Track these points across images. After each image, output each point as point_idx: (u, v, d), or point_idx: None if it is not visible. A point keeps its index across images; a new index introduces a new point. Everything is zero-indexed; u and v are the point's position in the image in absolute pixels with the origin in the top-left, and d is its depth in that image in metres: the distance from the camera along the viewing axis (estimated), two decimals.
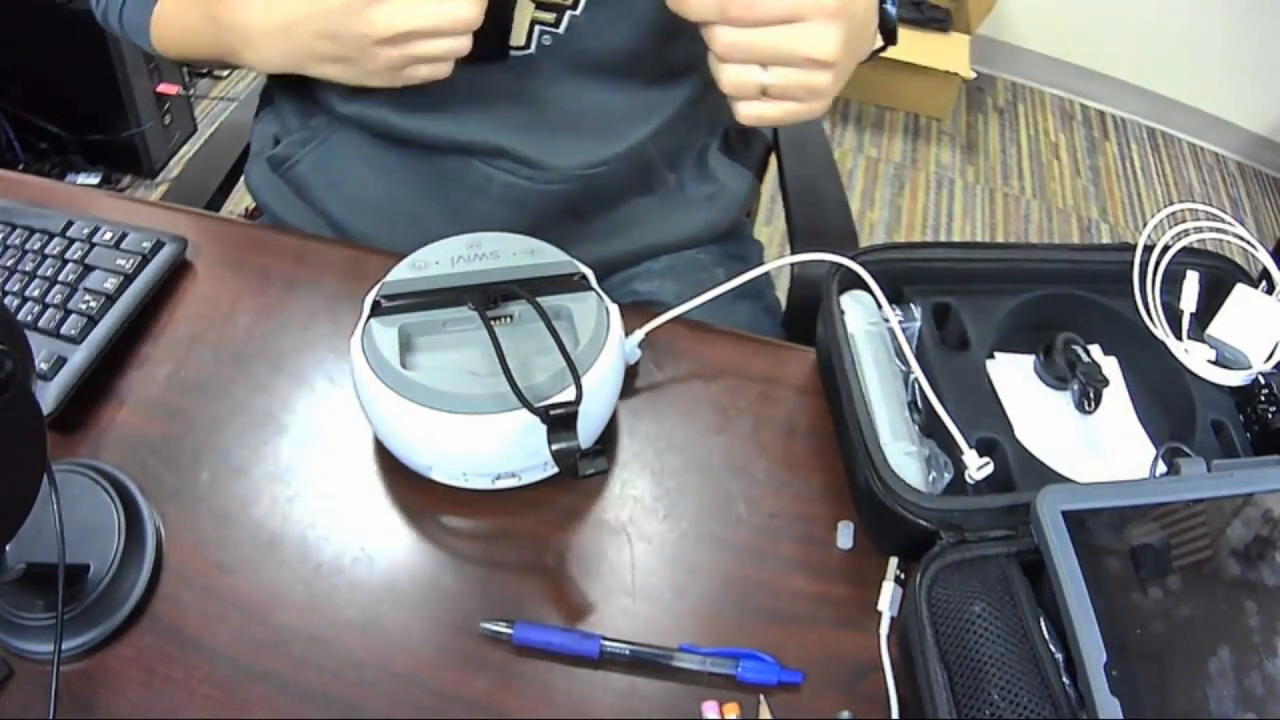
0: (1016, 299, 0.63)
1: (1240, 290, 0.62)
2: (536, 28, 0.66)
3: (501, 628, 0.50)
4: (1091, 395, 0.58)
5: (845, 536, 0.56)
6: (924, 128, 2.45)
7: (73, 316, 0.61)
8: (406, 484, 0.56)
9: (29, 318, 0.61)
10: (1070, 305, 0.63)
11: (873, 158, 2.35)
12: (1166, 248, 0.63)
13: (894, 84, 2.39)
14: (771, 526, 0.57)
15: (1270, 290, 0.62)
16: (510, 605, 0.52)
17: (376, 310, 0.55)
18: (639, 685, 0.50)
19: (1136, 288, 0.62)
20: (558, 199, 0.73)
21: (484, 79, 0.68)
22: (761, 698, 0.50)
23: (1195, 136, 2.53)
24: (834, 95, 0.60)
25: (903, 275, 0.63)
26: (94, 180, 1.92)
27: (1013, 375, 0.61)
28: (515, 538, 0.56)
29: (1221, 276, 0.63)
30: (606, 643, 0.50)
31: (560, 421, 0.50)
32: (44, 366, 0.58)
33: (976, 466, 0.53)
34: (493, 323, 0.53)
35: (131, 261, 0.64)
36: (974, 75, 2.33)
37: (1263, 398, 0.59)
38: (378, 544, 0.55)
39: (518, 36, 0.67)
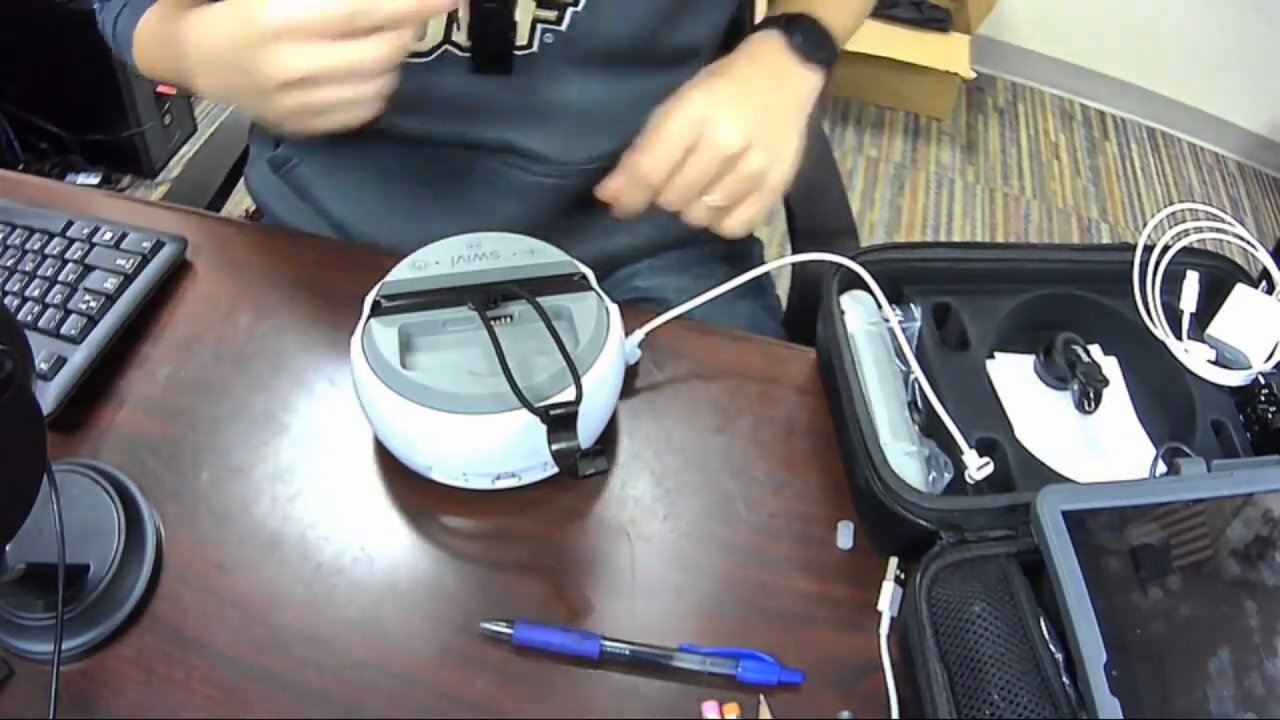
0: (1016, 299, 0.63)
1: (1240, 290, 0.62)
2: (539, 26, 0.66)
3: (501, 628, 0.50)
4: (1091, 395, 0.58)
5: (845, 536, 0.56)
6: (924, 128, 2.45)
7: (73, 316, 0.60)
8: (406, 484, 0.56)
9: (29, 318, 0.61)
10: (1070, 305, 0.63)
11: (873, 158, 2.35)
12: (1166, 248, 0.63)
13: (894, 84, 2.39)
14: (771, 526, 0.57)
15: (1270, 290, 0.62)
16: (510, 605, 0.52)
17: (376, 310, 0.55)
18: (639, 685, 0.50)
19: (1136, 288, 0.62)
20: (565, 193, 0.73)
21: (487, 81, 0.68)
22: (761, 698, 0.50)
23: (1195, 136, 2.53)
24: (778, 164, 0.62)
25: (903, 275, 0.63)
26: (94, 180, 1.91)
27: (1013, 375, 0.61)
28: (515, 538, 0.56)
29: (1221, 276, 0.63)
30: (606, 643, 0.50)
31: (560, 421, 0.50)
32: (44, 366, 0.58)
33: (976, 466, 0.53)
34: (493, 323, 0.53)
35: (131, 261, 0.64)
36: (974, 75, 2.32)
37: (1263, 398, 0.59)
38: (378, 544, 0.55)
39: (520, 36, 0.66)
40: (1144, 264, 0.62)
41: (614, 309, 0.58)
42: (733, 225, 0.63)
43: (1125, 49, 2.47)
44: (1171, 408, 0.61)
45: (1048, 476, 0.54)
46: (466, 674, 0.50)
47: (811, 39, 0.66)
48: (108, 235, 0.65)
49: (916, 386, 0.58)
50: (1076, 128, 2.54)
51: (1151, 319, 0.61)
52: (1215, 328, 0.62)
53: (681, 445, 0.60)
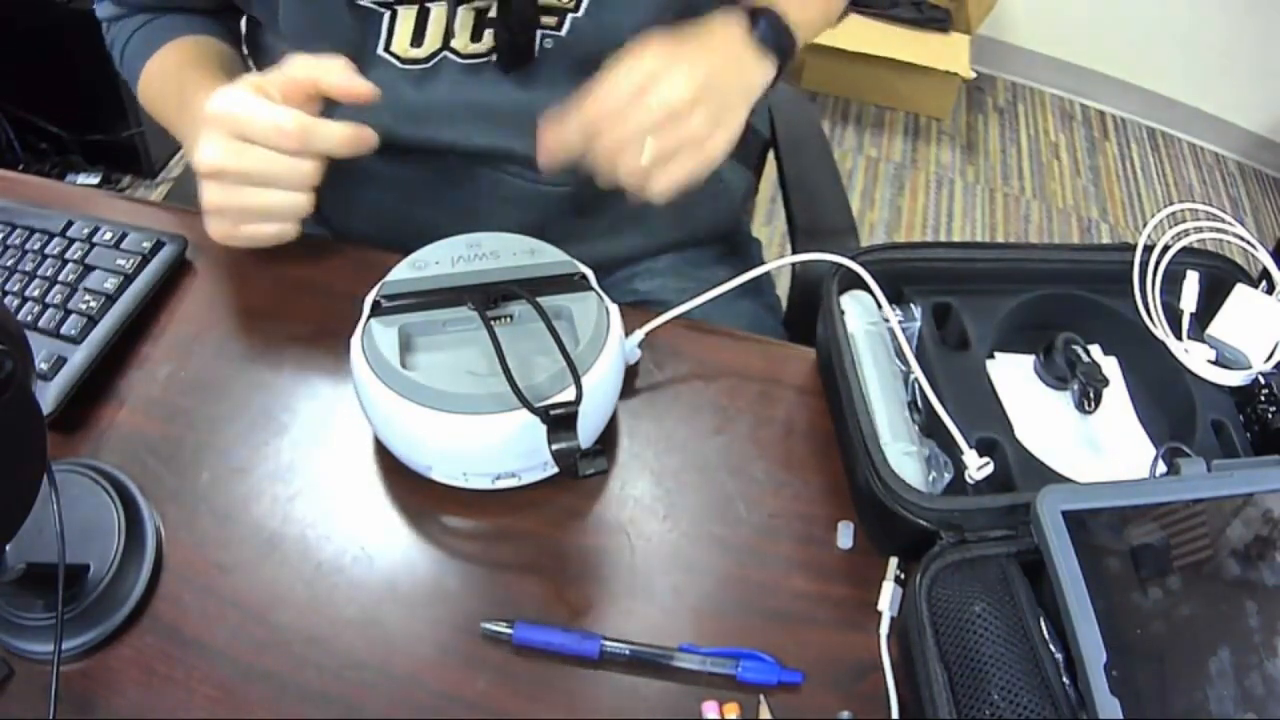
0: (1016, 299, 0.63)
1: (1240, 290, 0.62)
2: (539, 33, 0.66)
3: (501, 628, 0.50)
4: (1091, 395, 0.58)
5: (845, 536, 0.56)
6: (924, 128, 2.45)
7: (73, 316, 0.60)
8: (406, 484, 0.56)
9: (29, 318, 0.61)
10: (1070, 305, 0.63)
11: (873, 158, 2.35)
12: (1166, 248, 0.63)
13: (894, 84, 2.39)
14: (771, 526, 0.57)
15: (1270, 290, 0.62)
16: (510, 605, 0.52)
17: (376, 310, 0.55)
18: (639, 685, 0.50)
19: (1136, 288, 0.62)
20: (565, 199, 0.73)
21: (486, 87, 0.68)
22: (761, 698, 0.50)
23: (1195, 136, 2.53)
24: (721, 132, 0.62)
25: (903, 275, 0.63)
26: (94, 180, 1.91)
27: (1013, 375, 0.61)
28: (515, 538, 0.56)
29: (1221, 276, 0.63)
30: (606, 643, 0.50)
31: (560, 421, 0.50)
32: (44, 366, 0.58)
33: (976, 466, 0.53)
34: (493, 323, 0.53)
35: (131, 261, 0.64)
36: (974, 75, 2.33)
37: (1263, 398, 0.59)
38: (378, 544, 0.55)
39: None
40: (1144, 264, 0.62)
41: (614, 309, 0.58)
42: (659, 185, 0.60)
43: (1125, 49, 2.47)
44: (1171, 408, 0.61)
45: (1048, 476, 0.54)
46: (466, 674, 0.50)
47: (773, 30, 0.66)
48: (108, 235, 0.65)
49: (916, 386, 0.58)
50: (1076, 128, 2.54)
51: (1151, 319, 0.61)
52: (1215, 328, 0.62)
53: (681, 445, 0.60)
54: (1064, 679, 0.44)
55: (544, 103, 0.69)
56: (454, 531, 0.56)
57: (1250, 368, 0.60)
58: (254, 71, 0.77)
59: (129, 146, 1.90)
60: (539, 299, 0.54)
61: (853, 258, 0.60)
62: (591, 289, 0.57)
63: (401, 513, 0.56)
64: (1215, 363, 0.61)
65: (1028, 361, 0.62)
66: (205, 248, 0.69)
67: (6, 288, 0.62)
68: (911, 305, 0.62)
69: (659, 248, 0.82)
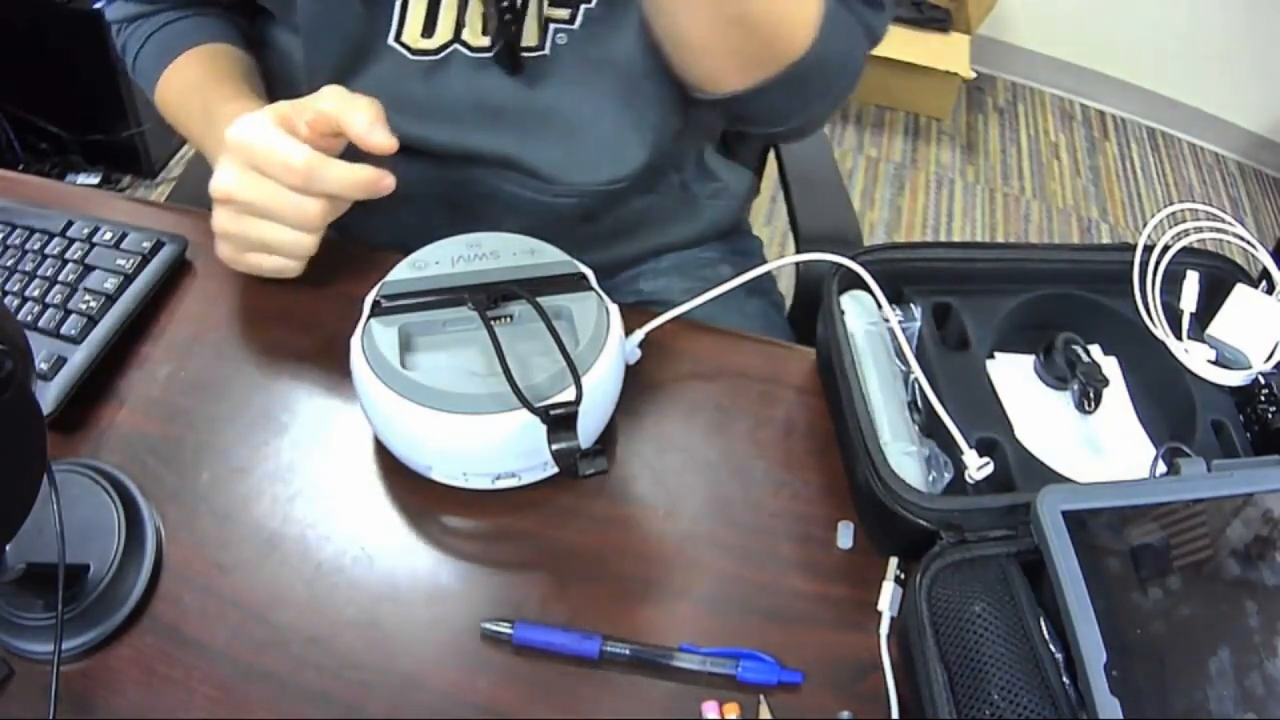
0: (1016, 299, 0.63)
1: (1240, 290, 0.62)
2: (551, 26, 0.64)
3: (501, 628, 0.50)
4: (1091, 395, 0.58)
5: (845, 536, 0.56)
6: (924, 128, 2.45)
7: (73, 316, 0.60)
8: (406, 484, 0.56)
9: (29, 318, 0.61)
10: (1070, 305, 0.63)
11: (873, 158, 2.35)
12: (1166, 248, 0.63)
13: (894, 84, 2.39)
14: (771, 526, 0.57)
15: (1270, 290, 0.62)
16: (510, 605, 0.52)
17: (376, 310, 0.55)
18: (639, 685, 0.50)
19: (1136, 288, 0.62)
20: (570, 211, 0.72)
21: (494, 84, 0.66)
22: (761, 698, 0.50)
23: (1195, 136, 2.53)
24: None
25: (903, 275, 0.63)
26: (94, 180, 1.91)
27: (1013, 375, 0.61)
28: (515, 538, 0.56)
29: (1221, 276, 0.63)
30: (606, 643, 0.50)
31: (560, 421, 0.50)
32: (44, 366, 0.58)
33: (976, 466, 0.53)
34: (493, 323, 0.53)
35: (131, 261, 0.64)
36: (974, 75, 2.33)
37: (1263, 398, 0.59)
38: (378, 544, 0.55)
39: (529, 37, 0.65)
40: (1144, 264, 0.62)
41: (614, 309, 0.58)
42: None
43: (1125, 49, 2.47)
44: (1171, 408, 0.60)
45: (1048, 476, 0.54)
46: (466, 674, 0.50)
47: None
48: (108, 235, 0.65)
49: (916, 386, 0.58)
50: (1076, 128, 2.54)
51: (1151, 319, 0.61)
52: (1215, 328, 0.62)
53: (681, 445, 0.60)
54: (1064, 679, 0.44)
55: (553, 104, 0.68)
56: (454, 531, 0.56)
57: (1250, 368, 0.60)
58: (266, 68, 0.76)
59: (129, 146, 1.90)
60: (539, 299, 0.54)
61: (853, 258, 0.60)
62: (591, 289, 0.57)
63: (401, 513, 0.56)
64: (1215, 363, 0.61)
65: (1028, 361, 0.62)
66: (205, 248, 0.69)
67: (6, 288, 0.62)
68: (911, 305, 0.62)
69: (660, 250, 0.82)
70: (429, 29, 0.65)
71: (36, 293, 0.62)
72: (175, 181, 0.93)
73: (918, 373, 0.57)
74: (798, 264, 0.79)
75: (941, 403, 0.56)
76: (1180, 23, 2.35)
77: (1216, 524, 0.46)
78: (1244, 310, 0.61)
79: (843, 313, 0.60)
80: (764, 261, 0.67)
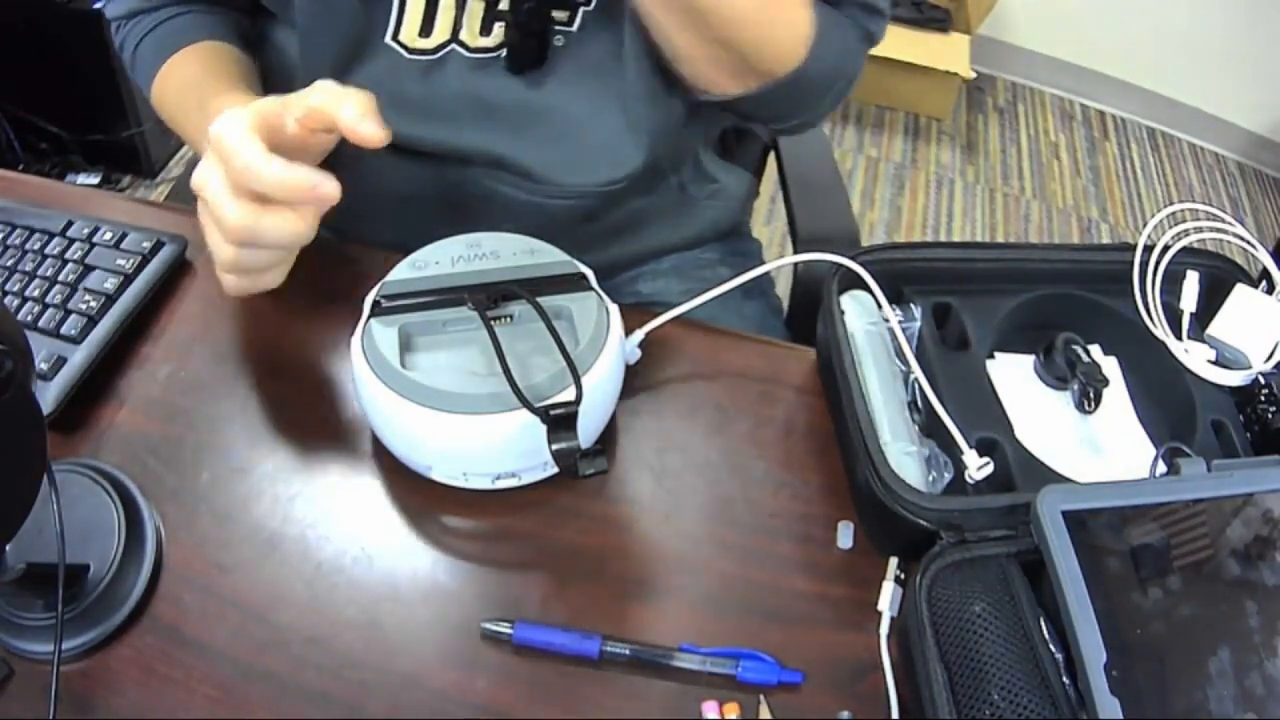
0: (1016, 299, 0.63)
1: (1240, 290, 0.62)
2: (550, 28, 0.64)
3: (501, 628, 0.50)
4: (1091, 395, 0.58)
5: (845, 536, 0.56)
6: (924, 128, 2.45)
7: (73, 316, 0.60)
8: (406, 484, 0.56)
9: (29, 318, 0.61)
10: (1070, 305, 0.63)
11: (873, 158, 2.35)
12: (1166, 248, 0.63)
13: (894, 84, 2.39)
14: (771, 526, 0.57)
15: (1270, 290, 0.62)
16: (510, 605, 0.52)
17: (376, 310, 0.55)
18: (639, 685, 0.50)
19: (1136, 288, 0.62)
20: (568, 212, 0.72)
21: (492, 85, 0.66)
22: (761, 698, 0.50)
23: (1195, 136, 2.53)
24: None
25: (903, 275, 0.63)
26: (94, 180, 1.91)
27: (1013, 375, 0.61)
28: (515, 538, 0.56)
29: (1221, 276, 0.63)
30: (606, 643, 0.50)
31: (560, 421, 0.50)
32: (44, 366, 0.58)
33: (976, 466, 0.53)
34: (493, 323, 0.53)
35: (131, 261, 0.64)
36: (974, 75, 2.33)
37: (1263, 398, 0.59)
38: (378, 544, 0.55)
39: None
40: (1144, 264, 0.62)
41: (614, 309, 0.58)
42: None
43: (1125, 49, 2.47)
44: (1171, 408, 0.61)
45: (1048, 476, 0.54)
46: (466, 674, 0.50)
47: None
48: (108, 235, 0.65)
49: (916, 386, 0.58)
50: (1076, 128, 2.54)
51: (1151, 319, 0.61)
52: (1215, 328, 0.62)
53: (681, 445, 0.60)
54: (1064, 679, 0.44)
55: (550, 104, 0.68)
56: (454, 531, 0.56)
57: (1250, 368, 0.60)
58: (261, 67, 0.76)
59: (129, 146, 1.90)
60: (539, 299, 0.54)
61: (853, 258, 0.60)
62: (591, 289, 0.57)
63: (401, 513, 0.56)
64: (1215, 363, 0.61)
65: (1028, 361, 0.62)
66: (205, 247, 0.69)
67: (6, 288, 0.62)
68: (911, 305, 0.62)
69: (659, 252, 0.82)
70: (426, 29, 0.65)
71: (36, 293, 0.62)
72: (175, 181, 0.93)
73: (918, 373, 0.57)
74: (796, 265, 0.79)
75: (941, 403, 0.56)
76: (1180, 23, 2.35)
77: (1216, 524, 0.46)
78: (1244, 310, 0.61)
79: (843, 313, 0.60)
80: (763, 264, 0.67)
